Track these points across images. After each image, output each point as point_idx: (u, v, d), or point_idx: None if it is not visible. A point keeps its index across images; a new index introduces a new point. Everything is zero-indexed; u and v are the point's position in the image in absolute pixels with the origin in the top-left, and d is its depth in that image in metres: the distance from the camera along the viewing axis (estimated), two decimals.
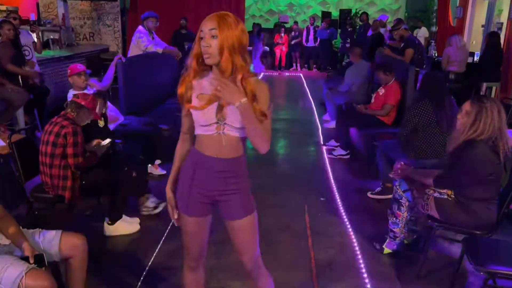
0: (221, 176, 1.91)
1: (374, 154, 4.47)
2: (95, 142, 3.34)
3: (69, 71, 4.15)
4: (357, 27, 12.53)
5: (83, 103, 3.19)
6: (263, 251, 3.21)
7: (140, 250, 3.26)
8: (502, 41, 7.50)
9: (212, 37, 1.73)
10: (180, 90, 1.86)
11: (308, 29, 13.38)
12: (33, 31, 5.90)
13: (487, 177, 2.70)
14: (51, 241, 2.30)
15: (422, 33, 11.31)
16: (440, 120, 3.64)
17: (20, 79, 5.42)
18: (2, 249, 2.16)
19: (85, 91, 3.92)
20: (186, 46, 6.78)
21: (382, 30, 9.01)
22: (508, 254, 2.63)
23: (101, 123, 3.65)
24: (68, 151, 3.06)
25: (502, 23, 8.96)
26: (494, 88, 7.49)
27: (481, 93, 7.02)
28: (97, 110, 3.36)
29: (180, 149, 2.05)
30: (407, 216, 3.10)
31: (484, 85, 7.25)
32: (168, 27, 8.45)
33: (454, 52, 7.20)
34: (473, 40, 10.06)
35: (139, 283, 2.84)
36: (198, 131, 1.91)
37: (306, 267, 3.10)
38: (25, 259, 2.08)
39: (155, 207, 3.73)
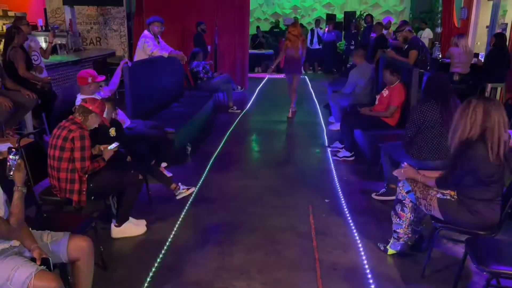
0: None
1: (378, 156, 4.49)
2: (102, 147, 3.39)
3: (89, 78, 4.02)
4: (362, 29, 12.55)
5: (91, 107, 3.24)
6: (268, 251, 3.30)
7: (146, 252, 3.30)
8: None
9: None
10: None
11: (312, 31, 13.41)
12: (53, 36, 6.13)
13: (488, 178, 2.70)
14: (60, 243, 2.36)
15: (426, 34, 11.31)
16: (446, 121, 3.64)
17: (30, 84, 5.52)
18: (13, 250, 2.21)
19: (95, 96, 3.98)
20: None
21: (384, 32, 9.02)
22: (511, 254, 2.64)
23: (112, 133, 3.70)
24: (75, 155, 3.11)
25: (506, 24, 8.93)
26: (499, 89, 7.46)
27: (486, 94, 7.00)
28: (105, 115, 3.40)
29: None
30: (410, 217, 3.12)
31: (489, 86, 7.22)
32: (172, 31, 8.56)
33: (459, 54, 7.18)
34: (478, 41, 10.03)
35: (146, 284, 2.89)
36: None
37: (310, 268, 3.13)
38: (35, 260, 2.13)
39: (188, 189, 4.17)
